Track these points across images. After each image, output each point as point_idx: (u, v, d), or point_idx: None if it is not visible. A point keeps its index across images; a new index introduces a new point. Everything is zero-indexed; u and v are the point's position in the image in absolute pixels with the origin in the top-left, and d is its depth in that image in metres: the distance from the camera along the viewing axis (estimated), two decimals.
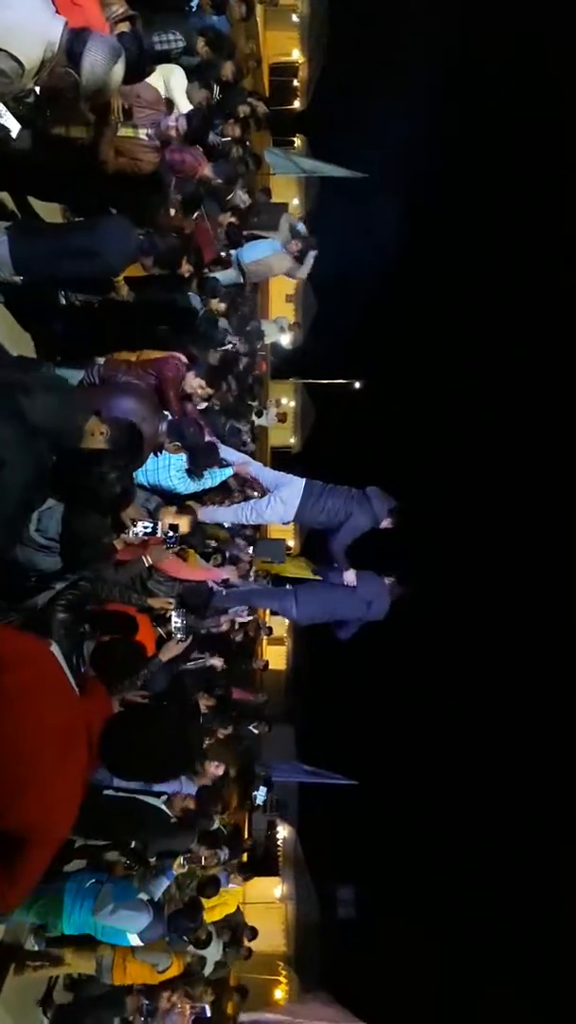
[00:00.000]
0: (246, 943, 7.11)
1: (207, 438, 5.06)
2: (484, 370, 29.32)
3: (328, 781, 16.31)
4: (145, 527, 3.79)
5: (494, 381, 29.08)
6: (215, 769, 6.21)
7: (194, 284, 5.95)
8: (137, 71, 3.20)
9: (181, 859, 5.00)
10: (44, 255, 3.66)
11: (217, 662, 7.29)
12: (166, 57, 4.79)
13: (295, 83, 26.60)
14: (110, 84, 2.79)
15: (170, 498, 4.90)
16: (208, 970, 5.74)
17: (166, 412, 4.67)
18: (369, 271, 22.66)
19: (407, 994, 19.54)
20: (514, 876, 25.30)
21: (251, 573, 7.64)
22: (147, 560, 4.14)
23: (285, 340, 16.74)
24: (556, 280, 28.16)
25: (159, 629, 4.47)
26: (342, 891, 23.01)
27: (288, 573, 6.22)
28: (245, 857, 8.50)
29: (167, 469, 4.75)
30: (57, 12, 2.63)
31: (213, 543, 6.88)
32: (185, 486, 4.90)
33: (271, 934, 18.90)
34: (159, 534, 3.94)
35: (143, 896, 4.30)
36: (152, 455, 4.52)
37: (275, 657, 24.12)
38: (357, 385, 26.18)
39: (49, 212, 4.35)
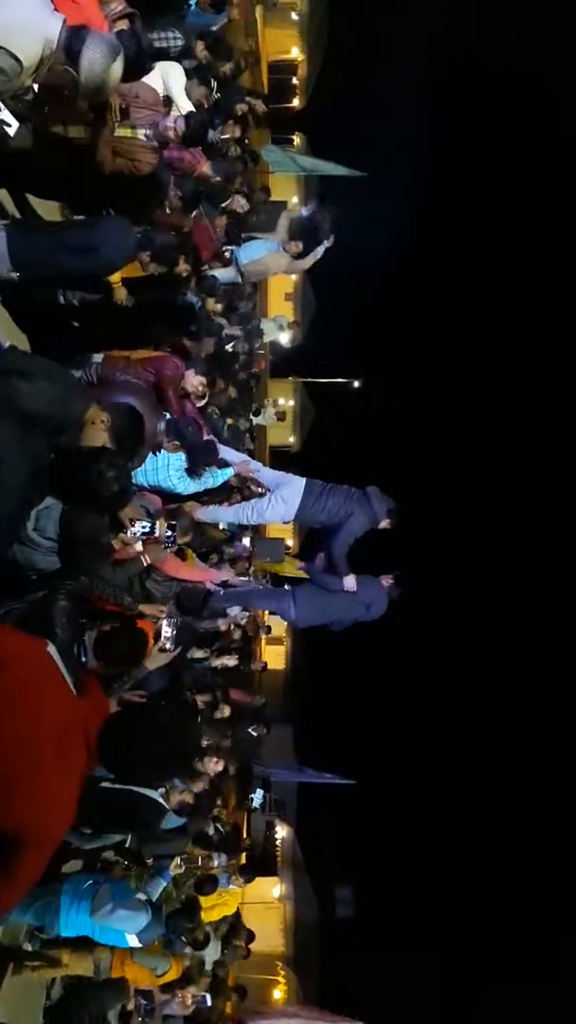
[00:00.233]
0: (244, 945, 7.11)
1: (206, 436, 5.05)
2: (483, 369, 29.34)
3: (326, 781, 16.32)
4: (143, 527, 3.78)
5: (493, 380, 29.09)
6: (214, 765, 6.22)
7: (192, 283, 5.94)
8: (136, 69, 3.18)
9: (178, 859, 5.00)
10: (42, 250, 3.65)
11: (231, 661, 7.26)
12: (164, 55, 4.79)
13: (294, 81, 26.58)
14: (109, 82, 2.77)
15: (171, 499, 4.89)
16: (207, 968, 5.74)
17: (165, 412, 4.67)
18: (368, 270, 22.64)
19: (406, 994, 19.55)
20: (513, 875, 25.33)
21: (249, 572, 7.64)
22: (145, 560, 4.13)
23: (284, 339, 16.73)
24: (556, 277, 28.18)
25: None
26: (340, 891, 23.02)
27: (286, 573, 6.23)
28: (244, 858, 8.48)
29: (166, 469, 4.74)
30: (56, 10, 2.62)
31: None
32: (185, 486, 4.89)
33: (269, 934, 18.89)
34: (157, 534, 3.93)
35: (141, 897, 4.29)
36: (151, 454, 4.52)
37: (274, 657, 24.11)
38: (356, 384, 26.17)
39: (48, 211, 4.34)
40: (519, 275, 28.44)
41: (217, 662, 7.32)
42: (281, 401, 25.39)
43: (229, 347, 7.35)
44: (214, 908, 6.52)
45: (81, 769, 2.10)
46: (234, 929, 6.90)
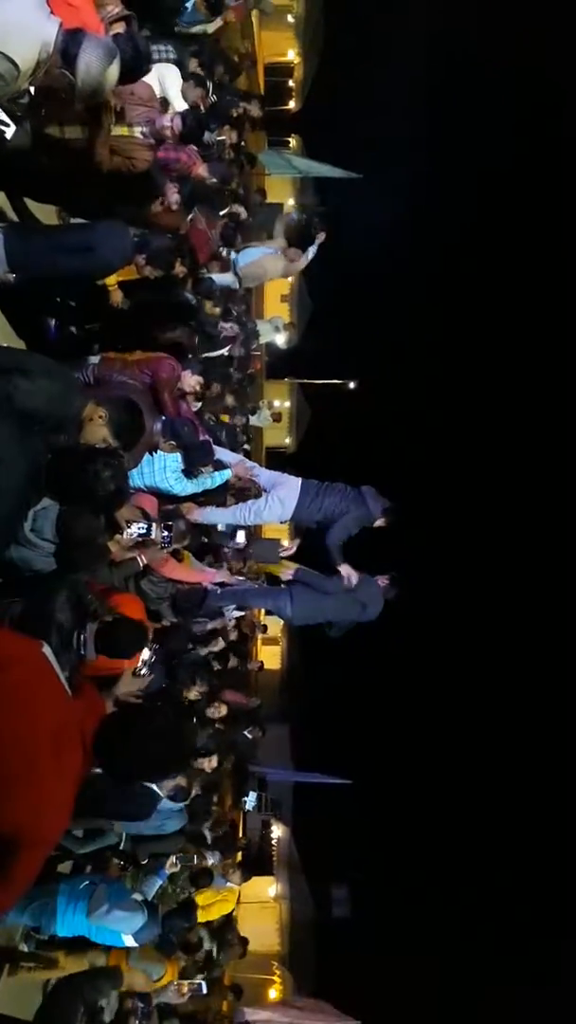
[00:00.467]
0: (240, 943, 7.11)
1: (201, 437, 5.06)
2: (480, 370, 29.39)
3: (322, 781, 16.34)
4: (140, 528, 3.79)
5: (490, 381, 29.15)
6: (209, 764, 6.21)
7: (188, 285, 5.95)
8: (133, 72, 3.18)
9: (173, 858, 5.00)
10: (39, 251, 3.65)
11: (220, 644, 7.21)
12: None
13: (290, 83, 26.60)
14: (105, 85, 2.78)
15: (168, 500, 4.89)
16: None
17: (161, 413, 4.67)
18: (364, 271, 22.68)
19: (402, 993, 19.56)
20: (512, 875, 25.35)
21: (245, 571, 7.63)
22: (142, 560, 4.14)
23: (280, 340, 16.72)
24: (552, 278, 28.24)
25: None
26: (336, 890, 23.03)
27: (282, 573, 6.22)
28: (239, 856, 8.50)
29: (163, 471, 4.75)
30: (52, 13, 2.62)
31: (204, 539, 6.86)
32: (182, 487, 4.89)
33: (265, 933, 18.88)
34: (154, 535, 3.94)
35: (137, 897, 4.30)
36: (148, 455, 4.52)
37: (270, 657, 24.13)
38: (352, 385, 26.20)
39: (45, 214, 4.34)
40: (516, 276, 28.50)
41: (205, 651, 7.26)
42: (277, 403, 25.42)
43: (225, 351, 7.34)
44: (213, 906, 6.53)
45: (77, 770, 2.11)
46: (228, 926, 6.89)
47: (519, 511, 27.68)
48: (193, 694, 6.35)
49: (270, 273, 8.16)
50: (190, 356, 5.51)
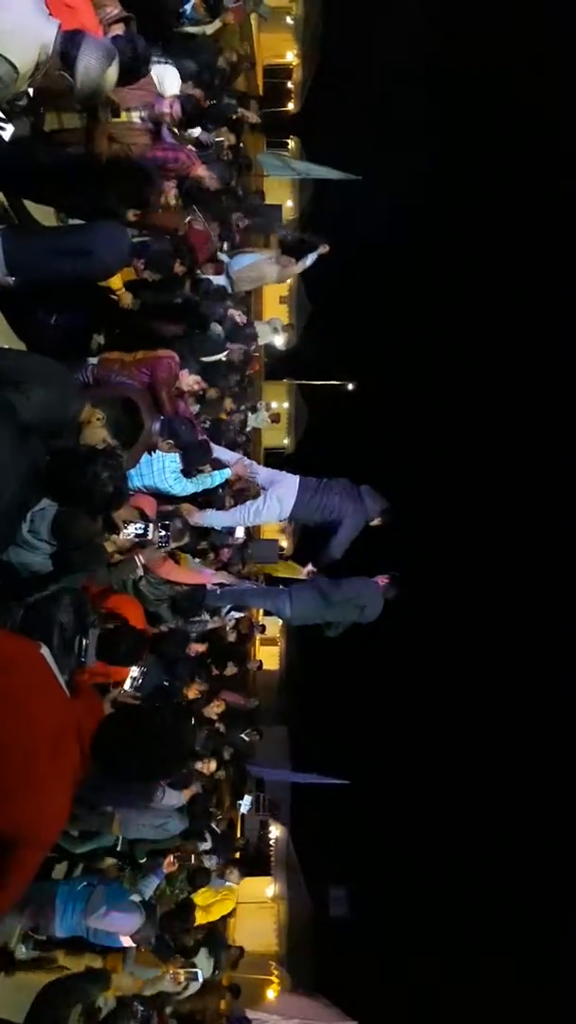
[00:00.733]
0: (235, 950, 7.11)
1: (200, 437, 5.06)
2: (478, 371, 29.42)
3: (320, 782, 16.33)
4: (137, 528, 3.79)
5: (489, 382, 29.18)
6: (207, 766, 6.20)
7: (187, 285, 5.96)
8: (131, 73, 3.19)
9: (171, 857, 5.01)
10: (37, 253, 3.65)
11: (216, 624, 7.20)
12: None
13: (289, 85, 26.62)
14: (104, 87, 2.78)
15: (166, 500, 4.89)
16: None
17: (159, 413, 4.67)
18: (363, 273, 22.70)
19: (400, 993, 19.56)
20: (511, 875, 25.37)
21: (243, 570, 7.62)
22: (139, 561, 4.13)
23: (279, 341, 16.74)
24: (552, 278, 28.28)
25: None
26: (334, 890, 23.01)
27: (280, 573, 6.23)
28: (237, 855, 8.51)
29: (162, 472, 4.74)
30: (51, 15, 2.62)
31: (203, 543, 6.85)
32: (181, 487, 4.88)
33: (263, 933, 18.88)
34: (151, 535, 3.94)
35: (135, 898, 4.30)
36: (146, 455, 4.52)
37: (268, 657, 24.13)
38: (351, 386, 26.21)
39: (44, 216, 4.33)
40: (513, 276, 28.53)
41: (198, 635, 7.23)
42: (275, 404, 25.43)
43: (223, 355, 7.31)
44: (213, 906, 6.53)
45: (75, 771, 2.11)
46: (218, 936, 6.85)
47: (518, 511, 27.71)
48: (193, 692, 6.34)
49: (268, 277, 8.20)
50: (190, 357, 5.51)
